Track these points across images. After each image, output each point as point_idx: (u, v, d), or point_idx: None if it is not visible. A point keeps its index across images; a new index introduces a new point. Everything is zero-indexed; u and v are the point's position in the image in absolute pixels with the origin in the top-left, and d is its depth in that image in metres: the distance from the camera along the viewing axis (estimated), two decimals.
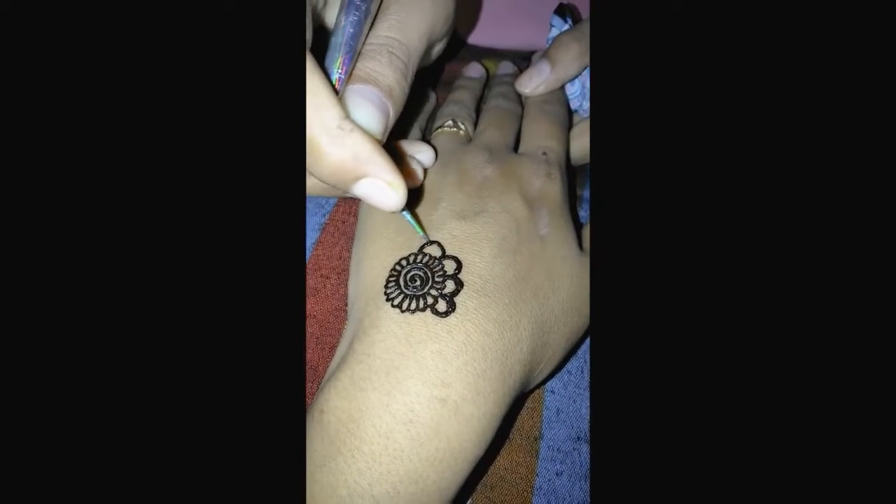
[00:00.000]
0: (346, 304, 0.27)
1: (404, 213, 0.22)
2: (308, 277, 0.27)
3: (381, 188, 0.19)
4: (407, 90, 0.22)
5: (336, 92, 0.19)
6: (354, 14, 0.21)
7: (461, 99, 0.32)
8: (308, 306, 0.26)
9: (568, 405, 0.26)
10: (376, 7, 0.22)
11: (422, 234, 0.23)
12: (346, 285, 0.27)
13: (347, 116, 0.19)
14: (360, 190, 0.19)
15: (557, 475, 0.25)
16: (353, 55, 0.21)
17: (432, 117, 0.34)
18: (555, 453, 0.25)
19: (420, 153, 0.26)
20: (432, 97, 0.35)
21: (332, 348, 0.26)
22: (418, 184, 0.25)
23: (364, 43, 0.22)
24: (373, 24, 0.22)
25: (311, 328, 0.26)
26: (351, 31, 0.21)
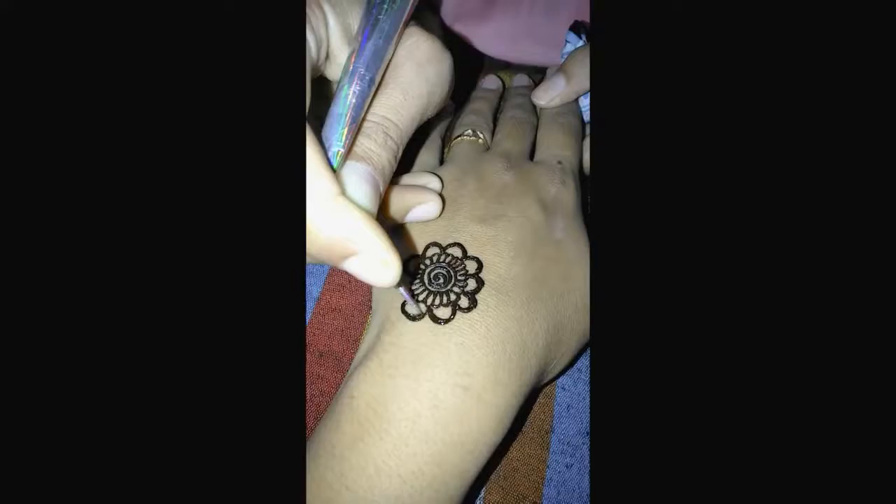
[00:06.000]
0: (371, 300, 0.28)
1: (400, 288, 0.21)
2: (334, 274, 0.28)
3: (373, 266, 0.19)
4: (394, 169, 0.22)
5: (331, 164, 0.19)
6: (359, 84, 0.20)
7: (479, 109, 0.34)
8: (334, 300, 0.28)
9: (578, 401, 0.28)
10: (380, 77, 0.22)
11: (415, 306, 0.23)
12: None
13: (342, 193, 0.18)
14: (351, 268, 0.19)
15: (567, 467, 0.26)
16: (355, 127, 0.20)
17: (451, 126, 0.35)
18: (565, 446, 0.27)
19: (429, 184, 0.27)
20: (451, 107, 0.36)
21: (357, 340, 0.27)
22: (438, 214, 0.26)
23: (364, 117, 0.21)
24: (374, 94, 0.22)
25: (337, 321, 0.27)
26: (355, 101, 0.20)
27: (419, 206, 0.25)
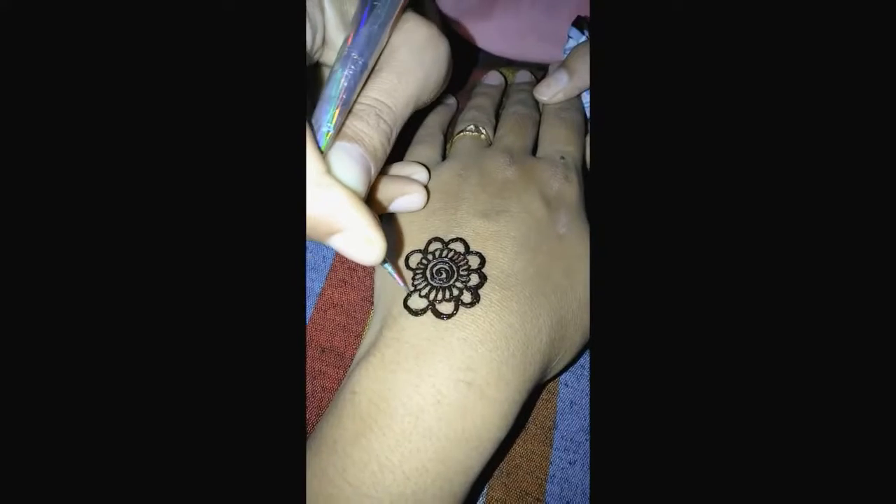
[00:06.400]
0: (372, 295, 0.28)
1: (385, 265, 0.22)
2: (336, 269, 0.28)
3: (357, 243, 0.19)
4: (388, 152, 0.23)
5: (319, 145, 0.20)
6: (351, 68, 0.21)
7: (482, 105, 0.34)
8: (336, 296, 0.28)
9: (581, 398, 0.28)
10: (373, 62, 0.22)
11: (403, 286, 0.23)
12: (372, 277, 0.28)
13: (328, 171, 0.19)
14: (336, 244, 0.20)
15: (570, 464, 0.26)
16: (346, 110, 0.21)
17: (454, 122, 0.35)
18: (568, 443, 0.27)
19: (416, 174, 0.27)
20: (453, 102, 0.36)
21: (358, 336, 0.27)
22: (422, 205, 0.26)
23: (356, 100, 0.22)
24: (367, 79, 0.22)
25: (339, 317, 0.27)
26: (346, 84, 0.21)
27: (402, 196, 0.26)
